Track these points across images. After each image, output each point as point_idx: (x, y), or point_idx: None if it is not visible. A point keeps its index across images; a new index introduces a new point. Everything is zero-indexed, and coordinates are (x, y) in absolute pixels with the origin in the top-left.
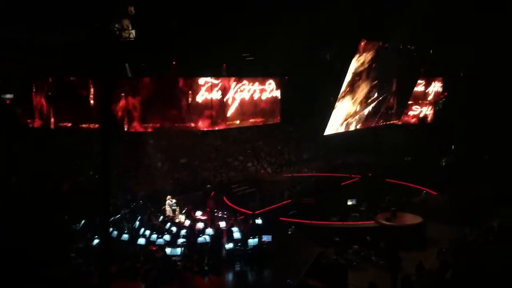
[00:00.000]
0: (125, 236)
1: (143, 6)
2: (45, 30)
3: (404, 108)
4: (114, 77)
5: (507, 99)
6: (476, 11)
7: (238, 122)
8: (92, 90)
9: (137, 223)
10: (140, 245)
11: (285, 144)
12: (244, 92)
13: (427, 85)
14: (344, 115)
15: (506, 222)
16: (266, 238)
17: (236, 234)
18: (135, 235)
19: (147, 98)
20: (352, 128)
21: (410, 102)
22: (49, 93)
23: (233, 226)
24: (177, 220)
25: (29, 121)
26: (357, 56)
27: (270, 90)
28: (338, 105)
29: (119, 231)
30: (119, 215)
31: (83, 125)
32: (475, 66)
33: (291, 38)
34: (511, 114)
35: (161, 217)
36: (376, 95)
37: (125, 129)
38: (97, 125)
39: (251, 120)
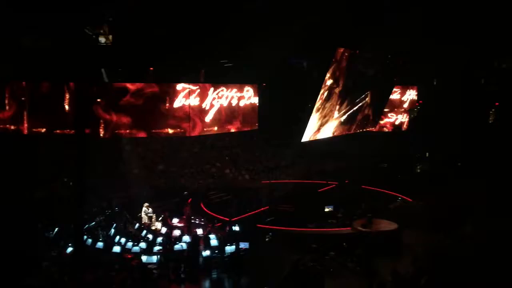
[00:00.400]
0: (100, 244)
1: (121, 11)
2: (19, 33)
3: (380, 115)
4: (90, 82)
5: (479, 107)
6: (450, 21)
7: (216, 128)
8: (67, 95)
9: (112, 230)
10: (115, 253)
11: (263, 151)
12: (222, 99)
13: (403, 93)
14: (321, 122)
15: (478, 228)
16: (243, 245)
17: (213, 241)
18: (110, 243)
19: (124, 104)
20: (329, 135)
21: (386, 109)
22: (22, 98)
23: (210, 233)
24: (153, 228)
25: (1, 126)
26: (334, 64)
27: (248, 97)
28: (315, 112)
29: (94, 238)
30: (93, 223)
31: (58, 131)
32: (449, 74)
33: (269, 46)
34: (483, 122)
35: (137, 224)
36: (352, 102)
37: (101, 135)
38: (72, 131)
39: (229, 127)
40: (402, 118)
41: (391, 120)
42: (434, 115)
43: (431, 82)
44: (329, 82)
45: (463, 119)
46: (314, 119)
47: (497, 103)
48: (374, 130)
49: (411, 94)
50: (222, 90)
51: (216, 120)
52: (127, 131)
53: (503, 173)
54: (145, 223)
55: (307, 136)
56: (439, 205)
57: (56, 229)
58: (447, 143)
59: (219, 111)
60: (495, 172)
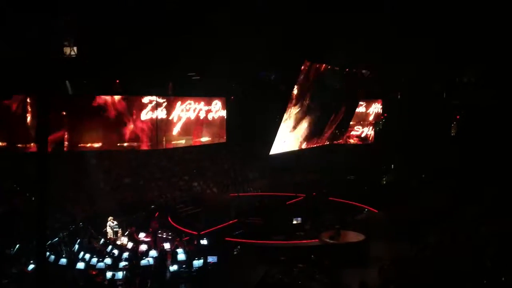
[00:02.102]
0: (63, 261)
1: (86, 23)
2: None
3: (346, 128)
4: (53, 95)
5: (442, 120)
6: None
7: (183, 141)
8: (29, 108)
9: (77, 246)
10: (79, 270)
11: (231, 163)
12: (190, 112)
13: (368, 106)
14: (289, 135)
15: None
16: (211, 259)
17: (181, 256)
18: (74, 259)
19: (89, 116)
20: (297, 147)
21: (352, 122)
22: None
23: (177, 248)
24: (119, 243)
25: None
26: (301, 77)
27: (216, 110)
28: (283, 125)
29: (57, 255)
30: (57, 238)
31: (19, 145)
32: (412, 88)
33: (237, 59)
34: (446, 135)
35: (102, 239)
36: (320, 115)
37: (65, 148)
38: (34, 145)
39: (196, 140)
40: (368, 131)
41: (357, 133)
42: (399, 128)
43: (395, 95)
44: (296, 95)
45: (426, 131)
46: (282, 132)
47: (458, 116)
48: (341, 142)
49: (376, 108)
50: (190, 103)
51: (183, 133)
52: (92, 144)
53: (465, 184)
54: (110, 238)
55: (275, 149)
56: (404, 216)
57: (17, 245)
58: (412, 155)
59: (186, 124)
60: (458, 183)
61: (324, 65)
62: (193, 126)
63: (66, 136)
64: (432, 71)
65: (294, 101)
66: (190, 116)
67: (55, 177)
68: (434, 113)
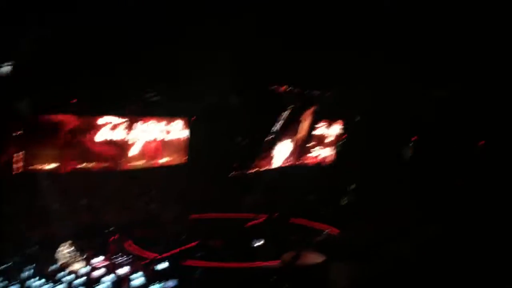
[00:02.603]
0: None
1: (41, 38)
2: None
3: (308, 148)
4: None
5: (401, 141)
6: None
7: (143, 162)
8: None
9: (29, 272)
10: None
11: (192, 184)
12: (150, 132)
13: (329, 126)
14: (251, 155)
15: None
16: (171, 283)
17: (139, 280)
18: (26, 285)
19: (44, 137)
20: (259, 168)
21: (312, 143)
22: None
23: (135, 272)
24: (73, 268)
25: None
26: (264, 98)
27: (177, 130)
28: (246, 145)
29: (8, 281)
30: (7, 264)
31: None
32: (373, 110)
33: (199, 79)
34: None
35: (56, 264)
36: (281, 136)
37: (17, 169)
38: None
39: (156, 161)
40: (328, 152)
41: (318, 153)
42: (359, 149)
43: (355, 116)
44: (259, 116)
45: (385, 152)
46: (244, 153)
47: (414, 138)
48: (302, 163)
49: (337, 128)
50: (150, 123)
51: (143, 154)
52: (47, 165)
53: (422, 204)
54: (64, 263)
55: (238, 169)
56: (364, 236)
57: None
58: (371, 176)
59: (147, 144)
60: (414, 203)
61: (285, 87)
62: (153, 146)
63: (19, 157)
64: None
65: (257, 122)
66: (151, 137)
67: (7, 199)
68: (392, 134)
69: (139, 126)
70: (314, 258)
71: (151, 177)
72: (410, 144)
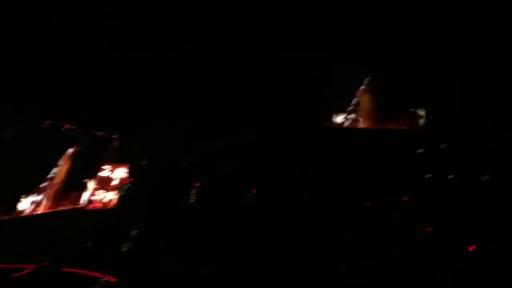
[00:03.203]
0: None
1: None
2: None
3: (89, 192)
4: None
5: (182, 187)
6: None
7: None
8: None
9: None
10: None
11: None
12: None
13: (113, 170)
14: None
15: None
16: None
17: None
18: None
19: None
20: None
21: (96, 186)
22: None
23: None
24: None
25: None
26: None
27: None
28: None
29: None
30: None
31: None
32: (157, 155)
33: None
34: (185, 200)
35: None
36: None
37: None
38: None
39: None
40: (111, 196)
41: (101, 197)
42: (144, 193)
43: (140, 161)
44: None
45: (166, 197)
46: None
47: (197, 184)
48: (82, 207)
49: (122, 172)
50: None
51: None
52: None
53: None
54: None
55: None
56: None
57: None
58: (153, 221)
59: None
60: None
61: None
62: None
63: None
64: (176, 140)
65: None
66: None
67: None
68: (176, 179)
69: None
70: None
71: None
72: (193, 190)
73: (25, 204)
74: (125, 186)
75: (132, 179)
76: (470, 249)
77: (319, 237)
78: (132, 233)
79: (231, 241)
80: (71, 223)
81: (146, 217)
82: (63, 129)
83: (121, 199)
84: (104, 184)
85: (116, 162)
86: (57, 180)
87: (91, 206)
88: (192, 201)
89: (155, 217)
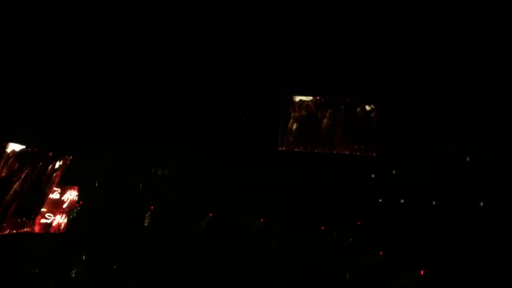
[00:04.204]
0: None
1: None
2: None
3: (35, 215)
4: None
5: (136, 210)
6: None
7: None
8: None
9: None
10: None
11: None
12: None
13: (63, 193)
14: None
15: None
16: None
17: None
18: None
19: None
20: None
21: (43, 209)
22: None
23: None
24: None
25: None
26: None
27: None
28: None
29: None
30: None
31: None
32: (109, 177)
33: None
34: (139, 224)
35: None
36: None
37: None
38: None
39: None
40: (60, 219)
41: (49, 221)
42: (94, 216)
43: (93, 183)
44: None
45: (121, 221)
46: None
47: (152, 207)
48: (28, 231)
49: (71, 194)
50: None
51: None
52: None
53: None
54: None
55: None
56: None
57: None
58: (108, 243)
59: None
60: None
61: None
62: None
63: None
64: (128, 162)
65: None
66: None
67: None
68: (129, 203)
69: None
70: None
71: None
72: (148, 213)
73: None
74: (75, 209)
75: (81, 202)
76: (422, 272)
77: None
78: (82, 257)
79: (186, 265)
80: (16, 248)
81: (97, 241)
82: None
83: (71, 223)
84: (53, 206)
85: (66, 184)
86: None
87: (39, 229)
88: (146, 224)
89: (106, 242)
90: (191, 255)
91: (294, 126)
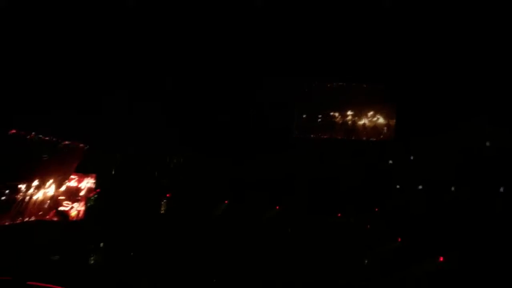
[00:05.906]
0: None
1: None
2: None
3: (54, 203)
4: None
5: (153, 198)
6: None
7: None
8: None
9: None
10: None
11: None
12: None
13: (80, 180)
14: None
15: None
16: None
17: None
18: None
19: None
20: None
21: (61, 197)
22: None
23: None
24: None
25: None
26: None
27: None
28: None
29: None
30: None
31: None
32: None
33: None
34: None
35: None
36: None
37: None
38: None
39: None
40: (78, 207)
41: (67, 208)
42: (112, 205)
43: (110, 170)
44: None
45: (138, 209)
46: None
47: (168, 194)
48: (47, 218)
49: (88, 182)
50: None
51: None
52: None
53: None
54: None
55: None
56: None
57: None
58: (125, 231)
59: None
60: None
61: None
62: None
63: None
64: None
65: None
66: None
67: None
68: (146, 190)
69: None
70: None
71: None
72: (164, 201)
73: None
74: (93, 197)
75: (99, 190)
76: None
77: (293, 248)
78: (100, 245)
79: (203, 253)
80: (36, 235)
81: (114, 229)
82: (28, 137)
83: (88, 210)
84: (71, 194)
85: (83, 172)
86: (22, 192)
87: (58, 217)
88: (162, 212)
89: (123, 229)
90: (206, 243)
91: (309, 113)
